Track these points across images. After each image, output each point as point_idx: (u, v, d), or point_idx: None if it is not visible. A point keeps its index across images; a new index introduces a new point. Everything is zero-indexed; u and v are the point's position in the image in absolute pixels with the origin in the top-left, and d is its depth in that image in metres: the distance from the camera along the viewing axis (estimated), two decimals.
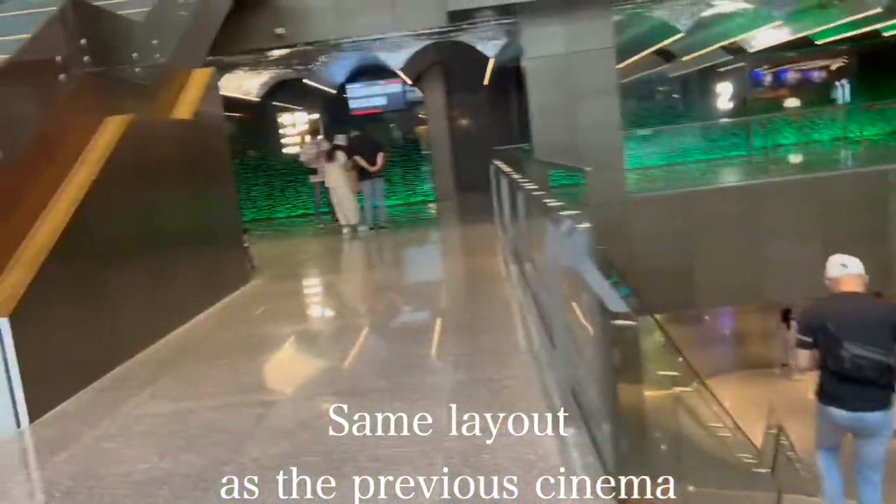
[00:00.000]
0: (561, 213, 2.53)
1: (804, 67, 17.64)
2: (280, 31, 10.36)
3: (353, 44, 11.03)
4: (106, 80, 5.14)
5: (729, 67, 17.54)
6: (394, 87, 14.44)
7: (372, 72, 14.77)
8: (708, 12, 11.19)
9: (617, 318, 2.01)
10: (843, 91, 17.22)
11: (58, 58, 4.52)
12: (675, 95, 17.59)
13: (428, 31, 10.52)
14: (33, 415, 3.54)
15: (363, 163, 10.44)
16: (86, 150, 4.77)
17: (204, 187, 6.51)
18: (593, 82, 9.97)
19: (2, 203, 3.92)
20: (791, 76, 17.87)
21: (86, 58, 4.82)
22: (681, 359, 4.43)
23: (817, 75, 17.66)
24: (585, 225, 2.05)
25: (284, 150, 14.92)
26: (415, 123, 15.62)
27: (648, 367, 3.08)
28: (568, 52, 9.94)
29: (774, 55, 16.98)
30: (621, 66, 15.27)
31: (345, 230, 10.94)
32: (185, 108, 6.40)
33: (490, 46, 11.77)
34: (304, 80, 13.60)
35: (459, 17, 9.99)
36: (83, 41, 4.80)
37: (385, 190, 11.04)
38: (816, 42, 16.19)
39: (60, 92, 4.54)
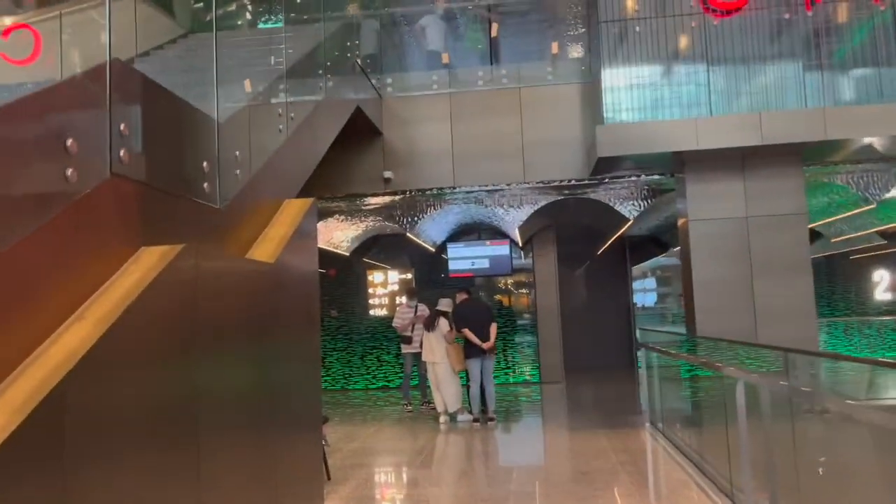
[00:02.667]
0: None
1: None
2: (388, 174, 8.79)
3: (469, 195, 9.33)
4: (152, 191, 3.27)
5: (881, 253, 15.11)
6: (500, 248, 12.63)
7: (475, 231, 13.10)
8: None
9: None
10: None
11: (69, 141, 2.67)
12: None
13: (561, 183, 8.72)
14: None
15: (473, 337, 8.30)
16: (98, 292, 2.79)
17: (278, 360, 4.42)
18: (780, 255, 7.77)
19: None
20: None
21: (122, 151, 2.97)
22: None
23: None
24: None
25: (371, 312, 13.03)
26: (516, 292, 13.63)
27: None
28: (748, 216, 7.85)
29: None
30: None
31: (441, 418, 8.60)
32: (266, 246, 4.48)
33: (628, 207, 9.91)
34: (403, 236, 11.97)
35: (606, 168, 8.18)
36: (122, 126, 2.99)
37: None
38: None
39: (64, 197, 2.65)
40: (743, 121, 7.36)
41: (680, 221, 8.36)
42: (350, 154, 8.87)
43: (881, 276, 14.74)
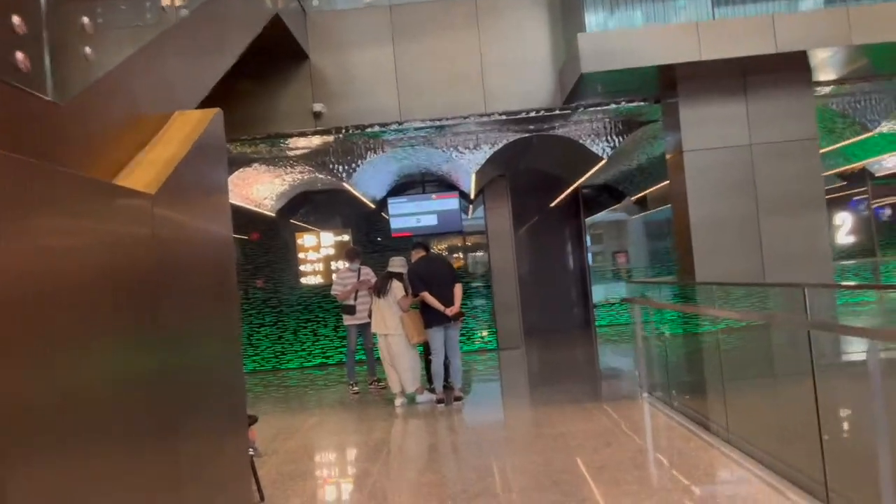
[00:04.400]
0: None
1: None
2: (318, 107, 7.17)
3: (417, 132, 7.81)
4: None
5: (840, 195, 14.43)
6: (448, 202, 11.15)
7: (418, 183, 11.60)
8: None
9: None
10: None
11: None
12: None
13: (528, 114, 7.32)
14: None
15: (434, 302, 6.85)
16: None
17: (174, 342, 2.86)
18: (790, 188, 6.64)
19: None
20: None
21: None
22: None
23: None
24: None
25: (303, 281, 11.40)
26: (467, 251, 12.25)
27: None
28: (751, 143, 6.67)
29: None
30: None
31: (397, 401, 7.18)
32: (144, 172, 2.89)
33: (601, 145, 8.59)
34: (337, 193, 10.35)
35: (584, 92, 6.81)
36: None
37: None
38: None
39: None
40: (752, 25, 6.10)
41: (669, 155, 7.12)
42: (270, 84, 7.21)
43: (843, 220, 14.11)
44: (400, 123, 7.28)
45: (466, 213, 12.04)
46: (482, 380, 8.96)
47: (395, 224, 11.07)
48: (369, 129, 7.41)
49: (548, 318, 13.91)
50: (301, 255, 11.37)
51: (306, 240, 11.38)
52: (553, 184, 12.57)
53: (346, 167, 8.58)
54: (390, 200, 11.05)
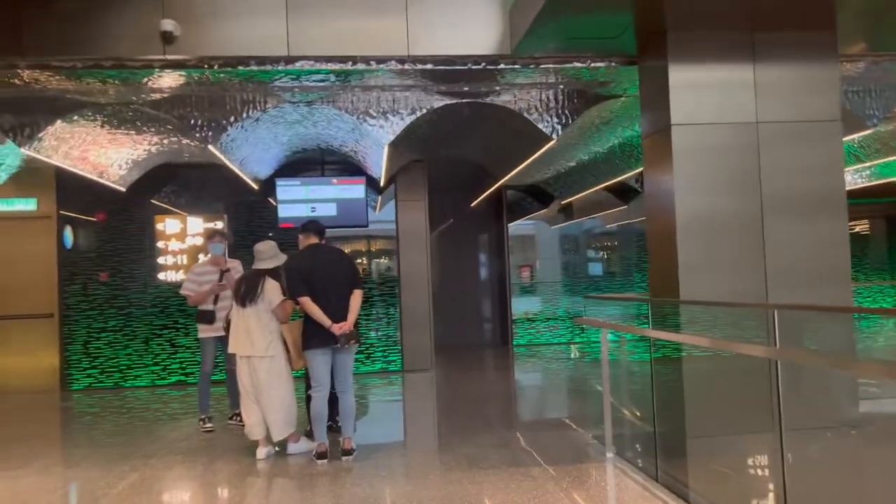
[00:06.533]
0: None
1: None
2: (169, 25, 5.02)
3: (313, 79, 5.77)
4: None
5: None
6: (351, 189, 9.06)
7: (315, 162, 9.49)
8: None
9: None
10: None
11: None
12: None
13: (465, 65, 5.45)
14: None
15: (318, 313, 4.79)
16: None
17: None
18: (803, 183, 5.06)
19: None
20: None
21: None
22: None
23: None
24: None
25: (162, 276, 9.03)
26: (371, 252, 10.23)
27: None
28: (758, 122, 5.05)
29: None
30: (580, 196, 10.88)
31: (260, 452, 5.06)
32: None
33: (552, 122, 6.78)
34: (212, 169, 8.07)
35: (541, 36, 5.01)
36: None
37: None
38: None
39: None
40: None
41: (648, 136, 5.41)
42: None
43: None
44: (288, 61, 5.22)
45: (374, 207, 10.05)
46: (382, 419, 6.95)
47: (284, 212, 8.88)
48: (243, 68, 5.30)
49: (459, 333, 12.14)
50: (161, 245, 9.00)
51: (168, 225, 9.01)
52: (476, 178, 10.75)
53: (215, 125, 6.39)
54: (279, 182, 8.87)
